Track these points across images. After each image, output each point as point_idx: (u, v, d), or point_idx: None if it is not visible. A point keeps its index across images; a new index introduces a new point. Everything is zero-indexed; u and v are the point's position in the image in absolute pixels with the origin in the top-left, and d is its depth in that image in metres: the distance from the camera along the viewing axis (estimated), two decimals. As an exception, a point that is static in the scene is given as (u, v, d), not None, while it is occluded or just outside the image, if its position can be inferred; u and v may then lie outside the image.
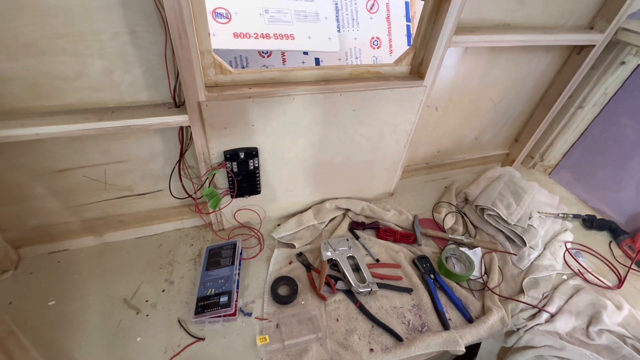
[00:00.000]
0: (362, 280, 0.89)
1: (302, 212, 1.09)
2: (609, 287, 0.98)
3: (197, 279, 0.87)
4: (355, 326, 0.82)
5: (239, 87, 0.78)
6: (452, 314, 0.87)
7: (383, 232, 1.06)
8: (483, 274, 0.98)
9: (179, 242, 0.99)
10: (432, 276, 0.94)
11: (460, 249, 1.01)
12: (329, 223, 1.10)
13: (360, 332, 0.81)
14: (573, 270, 1.02)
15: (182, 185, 0.93)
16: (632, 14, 1.04)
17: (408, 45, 1.46)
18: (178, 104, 0.77)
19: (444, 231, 1.11)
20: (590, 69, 1.15)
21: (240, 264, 0.91)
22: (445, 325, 0.83)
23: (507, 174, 1.27)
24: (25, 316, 0.78)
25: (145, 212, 0.99)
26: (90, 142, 0.79)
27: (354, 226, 1.08)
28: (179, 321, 0.80)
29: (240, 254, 0.94)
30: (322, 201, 1.12)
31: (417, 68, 0.94)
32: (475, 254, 1.02)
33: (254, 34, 1.18)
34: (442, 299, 0.90)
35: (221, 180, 0.92)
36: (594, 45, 1.05)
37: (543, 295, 0.94)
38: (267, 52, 1.31)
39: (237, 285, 0.86)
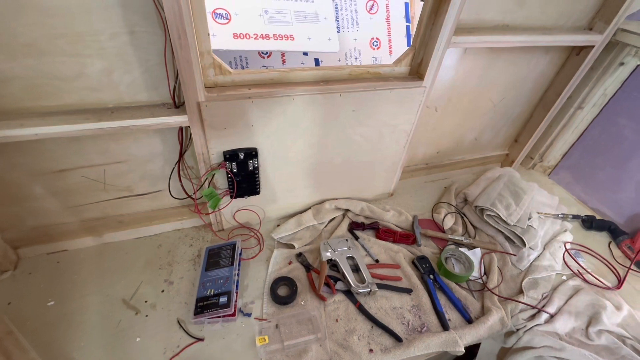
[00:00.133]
0: (362, 280, 0.89)
1: (301, 212, 1.09)
2: (608, 288, 0.99)
3: (197, 279, 0.87)
4: (354, 327, 0.82)
5: (239, 87, 0.78)
6: (451, 314, 0.87)
7: (382, 232, 1.06)
8: (482, 274, 0.98)
9: (178, 242, 0.99)
10: (431, 277, 0.94)
11: (460, 249, 1.01)
12: (329, 223, 1.10)
13: (359, 332, 0.81)
14: (572, 271, 1.02)
15: (182, 186, 0.93)
16: (630, 15, 1.05)
17: (407, 45, 1.46)
18: (177, 105, 0.77)
19: (444, 232, 1.11)
20: (589, 70, 1.15)
21: (239, 265, 0.91)
22: (444, 325, 0.83)
23: (507, 174, 1.27)
24: (24, 316, 0.78)
25: (145, 213, 0.99)
26: (90, 142, 0.79)
27: (354, 227, 1.08)
28: (178, 321, 0.80)
29: (240, 254, 0.94)
30: (322, 202, 1.12)
31: (416, 69, 0.94)
32: (475, 255, 1.02)
33: (254, 34, 1.18)
34: (442, 300, 0.90)
35: (221, 180, 0.92)
36: (593, 46, 1.05)
37: (542, 295, 0.94)
38: (267, 52, 1.31)
39: (237, 286, 0.86)
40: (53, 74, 0.67)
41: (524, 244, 1.04)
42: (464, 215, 1.19)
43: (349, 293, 0.88)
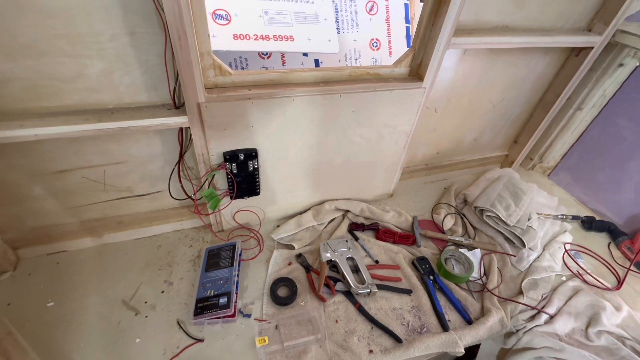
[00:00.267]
0: (362, 281, 0.89)
1: (301, 213, 1.09)
2: (608, 289, 0.99)
3: (197, 280, 0.87)
4: (354, 327, 0.82)
5: (239, 88, 0.78)
6: (451, 315, 0.87)
7: (382, 233, 1.07)
8: (482, 275, 0.98)
9: (178, 243, 0.99)
10: (431, 277, 0.94)
11: (460, 250, 1.01)
12: (329, 224, 1.11)
13: (359, 333, 0.81)
14: (572, 272, 1.03)
15: (182, 187, 0.93)
16: (629, 17, 1.05)
17: (407, 46, 1.47)
18: (177, 105, 0.77)
19: (443, 232, 1.11)
20: (588, 71, 1.16)
21: (239, 265, 0.91)
22: (444, 326, 0.83)
23: (506, 175, 1.27)
24: (24, 317, 0.78)
25: (145, 213, 0.99)
26: (90, 143, 0.79)
27: (354, 227, 1.08)
28: (178, 322, 0.80)
29: (240, 255, 0.94)
30: (322, 202, 1.12)
31: (416, 70, 0.94)
32: (475, 255, 1.02)
33: (254, 35, 1.18)
34: (442, 300, 0.90)
35: (220, 181, 0.92)
36: (592, 47, 1.06)
37: (542, 296, 0.94)
38: (267, 53, 1.31)
39: (237, 287, 0.86)
40: (53, 75, 0.67)
41: (524, 245, 1.04)
42: (464, 216, 1.19)
43: (348, 294, 0.88)
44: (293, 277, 0.91)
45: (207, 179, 0.88)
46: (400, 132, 1.03)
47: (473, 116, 1.22)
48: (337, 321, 0.83)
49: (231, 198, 0.95)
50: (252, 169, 0.90)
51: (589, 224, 1.20)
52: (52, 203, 0.86)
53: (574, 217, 1.22)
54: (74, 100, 0.71)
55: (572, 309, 0.91)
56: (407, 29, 1.46)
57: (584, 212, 1.27)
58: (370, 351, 0.78)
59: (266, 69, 1.32)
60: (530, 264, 1.02)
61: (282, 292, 0.88)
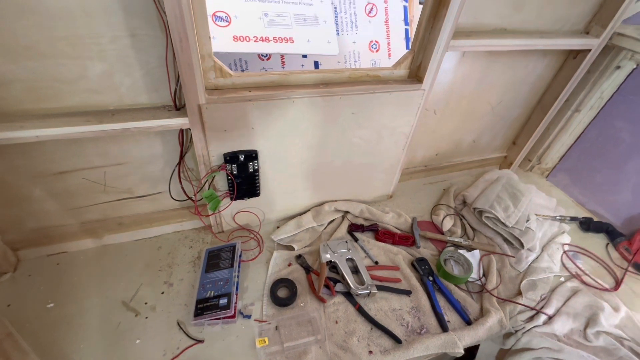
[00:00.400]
0: (361, 282, 0.90)
1: (301, 214, 1.10)
2: (606, 289, 0.99)
3: (197, 281, 0.87)
4: (354, 328, 0.82)
5: (239, 90, 0.78)
6: (450, 316, 0.87)
7: (382, 234, 1.07)
8: (481, 276, 0.98)
9: (178, 244, 0.99)
10: (430, 278, 0.95)
11: (459, 251, 1.02)
12: (328, 225, 1.11)
13: (359, 334, 0.81)
14: (570, 273, 1.03)
15: (182, 188, 0.93)
16: (627, 19, 1.06)
17: (406, 48, 1.48)
18: (178, 107, 0.78)
19: (443, 233, 1.12)
20: (586, 73, 1.16)
21: (239, 266, 0.91)
22: (443, 327, 0.84)
23: (505, 176, 1.28)
24: (24, 318, 0.78)
25: (145, 215, 0.99)
26: (90, 144, 0.79)
27: (353, 228, 1.09)
28: (178, 323, 0.80)
29: (240, 256, 0.94)
30: (321, 203, 1.13)
31: (415, 72, 0.95)
32: (474, 256, 1.02)
33: (254, 37, 1.19)
34: (441, 301, 0.90)
35: (221, 182, 0.92)
36: (589, 50, 1.06)
37: (541, 297, 0.95)
38: (267, 55, 1.32)
39: (237, 288, 0.86)
40: (54, 77, 0.67)
41: (522, 246, 1.04)
42: (463, 217, 1.19)
43: (348, 295, 0.89)
44: (293, 278, 0.91)
45: (207, 180, 0.89)
46: (399, 134, 1.03)
47: (472, 118, 1.22)
48: (337, 322, 0.83)
49: (231, 199, 0.95)
50: (252, 170, 0.91)
51: (587, 225, 1.21)
52: (53, 204, 0.86)
53: (572, 218, 1.23)
54: (74, 101, 0.71)
55: (571, 309, 0.91)
56: (406, 31, 1.47)
57: (582, 213, 1.28)
58: (370, 352, 0.78)
59: (266, 70, 1.33)
60: (529, 265, 1.03)
61: (282, 293, 0.88)
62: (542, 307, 0.91)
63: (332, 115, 0.90)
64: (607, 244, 1.17)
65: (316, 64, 1.40)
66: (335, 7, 1.37)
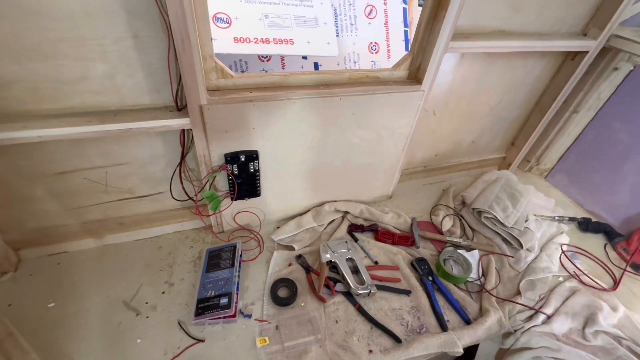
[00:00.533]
0: (361, 282, 0.90)
1: (301, 214, 1.10)
2: (604, 289, 1.00)
3: (197, 280, 0.88)
4: (354, 328, 0.82)
5: (240, 91, 0.79)
6: (450, 315, 0.88)
7: (381, 234, 1.07)
8: (480, 276, 0.99)
9: (178, 244, 1.00)
10: (430, 278, 0.95)
11: (458, 251, 1.02)
12: (328, 225, 1.11)
13: (359, 333, 0.81)
14: (569, 272, 1.04)
15: (183, 188, 0.93)
16: (624, 22, 1.07)
17: (406, 50, 1.49)
18: (180, 107, 0.78)
19: (442, 234, 1.12)
20: (584, 75, 1.17)
21: (240, 266, 0.92)
22: (443, 326, 0.84)
23: (504, 177, 1.28)
24: (25, 318, 0.78)
25: (146, 215, 0.99)
26: (92, 144, 0.80)
27: (353, 229, 1.09)
28: (178, 323, 0.80)
29: (240, 256, 0.94)
30: (321, 204, 1.13)
31: (414, 73, 0.96)
32: (473, 256, 1.03)
33: (254, 38, 1.19)
34: (440, 301, 0.91)
35: (221, 182, 0.93)
36: (587, 52, 1.07)
37: (539, 297, 0.95)
38: (267, 56, 1.33)
39: (237, 287, 0.86)
40: (56, 77, 0.68)
41: (521, 246, 1.05)
42: (462, 217, 1.20)
43: (348, 294, 0.89)
44: (293, 277, 0.91)
45: (208, 180, 0.89)
46: (399, 134, 1.04)
47: (471, 119, 1.23)
48: (337, 321, 0.83)
49: (232, 199, 0.96)
50: (252, 170, 0.91)
51: (585, 225, 1.22)
52: (54, 204, 0.87)
53: (571, 219, 1.23)
54: (76, 102, 0.72)
55: (569, 309, 0.92)
56: (406, 32, 1.48)
57: (580, 214, 1.29)
58: (370, 351, 0.78)
59: (266, 71, 1.34)
60: (528, 265, 1.03)
61: (283, 293, 0.88)
62: (540, 307, 0.91)
63: (332, 116, 0.90)
64: (606, 244, 1.18)
65: (316, 65, 1.41)
66: (335, 9, 1.38)
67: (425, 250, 1.06)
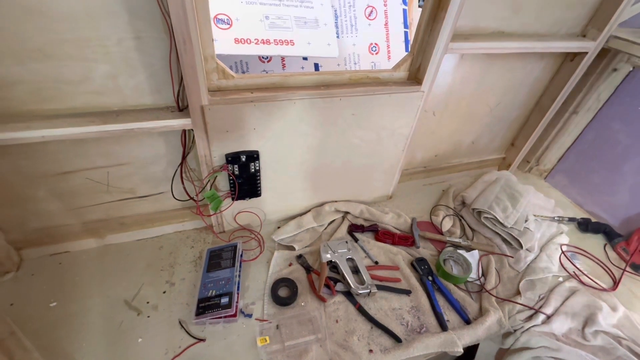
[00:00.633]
0: (361, 282, 0.90)
1: (301, 214, 1.11)
2: (604, 289, 1.00)
3: (198, 280, 0.88)
4: (354, 327, 0.83)
5: (241, 91, 0.80)
6: (450, 315, 0.88)
7: (382, 234, 1.08)
8: (480, 276, 0.99)
9: (179, 244, 1.00)
10: (430, 278, 0.95)
11: (458, 251, 1.03)
12: (328, 226, 1.12)
13: (359, 333, 0.82)
14: (569, 273, 1.04)
15: (184, 188, 0.94)
16: (623, 23, 1.07)
17: (406, 51, 1.49)
18: (181, 108, 0.79)
19: (442, 234, 1.13)
20: (583, 76, 1.18)
21: (240, 266, 0.92)
22: (443, 326, 0.84)
23: (504, 177, 1.29)
24: (27, 317, 0.78)
25: (147, 215, 0.99)
26: (94, 144, 0.80)
27: (353, 229, 1.10)
28: (179, 322, 0.80)
29: (241, 255, 0.95)
30: (322, 204, 1.14)
31: (414, 74, 0.96)
32: (473, 257, 1.03)
33: (255, 39, 1.20)
34: (440, 301, 0.91)
35: (222, 182, 0.93)
36: (586, 53, 1.08)
37: (539, 297, 0.95)
38: (267, 57, 1.33)
39: (238, 287, 0.86)
40: (59, 78, 0.68)
41: (521, 246, 1.05)
42: (462, 217, 1.20)
43: (348, 294, 0.89)
44: (294, 277, 0.92)
45: (209, 181, 0.90)
46: (399, 135, 1.04)
47: (471, 119, 1.24)
48: (337, 321, 0.84)
49: (233, 199, 0.96)
50: (253, 170, 0.92)
51: (585, 225, 1.22)
52: (56, 204, 0.87)
53: (571, 219, 1.24)
54: (79, 102, 0.72)
55: (569, 309, 0.92)
56: (406, 33, 1.49)
57: (580, 214, 1.29)
58: (370, 351, 0.78)
59: (266, 72, 1.34)
60: (528, 265, 1.03)
61: (283, 293, 0.89)
62: (540, 307, 0.92)
63: (333, 116, 0.91)
64: (605, 245, 1.18)
65: (316, 66, 1.41)
66: (335, 10, 1.39)
67: (425, 251, 1.06)
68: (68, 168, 0.82)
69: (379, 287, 0.90)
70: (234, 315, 0.81)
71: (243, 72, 1.31)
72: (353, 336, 0.81)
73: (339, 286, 0.91)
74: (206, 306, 0.80)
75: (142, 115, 0.74)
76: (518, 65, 1.12)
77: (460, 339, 0.81)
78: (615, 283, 1.03)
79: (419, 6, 1.52)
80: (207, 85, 0.74)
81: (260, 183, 0.96)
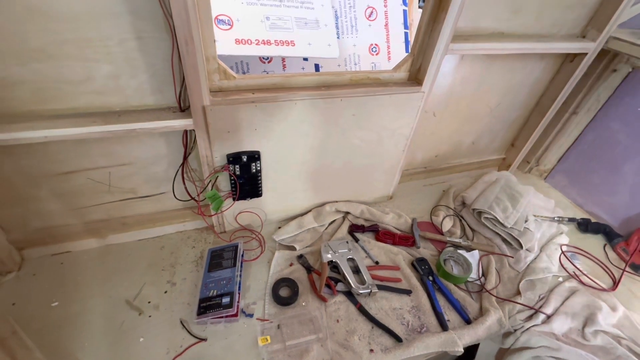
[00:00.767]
0: (362, 282, 0.91)
1: (302, 215, 1.11)
2: (603, 289, 1.00)
3: (199, 280, 0.88)
4: (355, 327, 0.83)
5: (243, 92, 0.80)
6: (450, 315, 0.88)
7: (382, 234, 1.08)
8: (480, 276, 0.99)
9: (181, 244, 1.00)
10: (430, 278, 0.96)
11: (458, 251, 1.03)
12: (329, 226, 1.12)
13: (360, 332, 0.82)
14: (569, 273, 1.04)
15: (185, 188, 0.94)
16: (622, 24, 1.08)
17: (406, 52, 1.49)
18: (183, 108, 0.79)
19: (442, 234, 1.13)
20: (583, 76, 1.18)
21: (241, 266, 0.92)
22: (443, 326, 0.85)
23: (504, 178, 1.29)
24: (29, 317, 0.78)
25: (148, 215, 1.00)
26: (95, 145, 0.80)
27: (354, 229, 1.10)
28: (181, 322, 0.81)
29: (242, 255, 0.95)
30: (322, 204, 1.14)
31: (415, 74, 0.96)
32: (473, 257, 1.03)
33: (255, 40, 1.20)
34: (441, 301, 0.91)
35: (223, 183, 0.93)
36: (586, 53, 1.08)
37: (539, 297, 0.96)
38: (268, 58, 1.33)
39: (239, 287, 0.87)
40: (61, 78, 0.68)
41: (521, 246, 1.06)
42: (462, 218, 1.20)
43: (349, 294, 0.90)
44: (294, 277, 0.92)
45: (210, 181, 0.90)
46: (399, 135, 1.05)
47: (471, 120, 1.24)
48: (338, 321, 0.84)
49: (234, 199, 0.96)
50: (254, 170, 0.92)
51: (584, 226, 1.22)
52: (57, 204, 0.87)
53: (570, 219, 1.24)
54: (81, 103, 0.73)
55: (569, 309, 0.92)
56: (406, 34, 1.49)
57: (580, 215, 1.29)
58: (371, 350, 0.79)
59: (267, 73, 1.34)
60: (528, 265, 1.04)
61: (284, 293, 0.89)
62: (540, 307, 0.92)
63: (333, 116, 0.91)
64: (605, 245, 1.18)
65: (317, 67, 1.42)
66: (335, 10, 1.39)
67: (426, 251, 1.07)
68: (70, 168, 0.82)
69: (380, 287, 0.91)
70: (235, 315, 0.81)
71: (244, 73, 1.31)
72: (354, 336, 0.81)
73: (340, 286, 0.91)
74: (207, 306, 0.81)
75: (144, 116, 0.75)
76: (518, 66, 1.12)
77: (460, 339, 0.81)
78: (615, 283, 1.03)
79: (419, 7, 1.52)
80: (208, 86, 0.74)
81: (261, 183, 0.96)
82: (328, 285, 0.90)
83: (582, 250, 1.14)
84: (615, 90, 1.19)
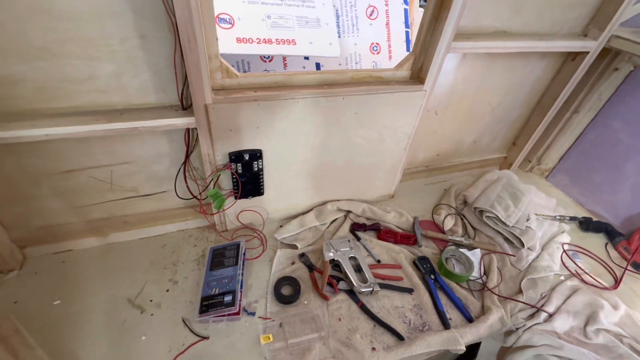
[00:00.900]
0: (364, 280, 0.91)
1: (304, 213, 1.11)
2: (605, 288, 1.00)
3: (201, 278, 0.88)
4: (357, 325, 0.83)
5: (245, 90, 0.80)
6: (452, 313, 0.88)
7: (384, 233, 1.08)
8: (482, 274, 0.99)
9: (182, 242, 1.00)
10: (432, 276, 0.96)
11: (460, 250, 1.03)
12: (331, 224, 1.12)
13: (362, 331, 0.82)
14: (570, 271, 1.04)
15: (187, 187, 0.94)
16: (624, 22, 1.08)
17: (407, 50, 1.49)
18: (185, 107, 0.79)
19: (444, 233, 1.13)
20: (584, 75, 1.18)
21: (243, 264, 0.92)
22: (445, 324, 0.85)
23: (505, 177, 1.29)
24: (30, 315, 0.78)
25: (150, 213, 1.00)
26: (98, 143, 0.80)
27: (355, 227, 1.10)
28: (183, 320, 0.81)
29: (244, 254, 0.95)
30: (324, 203, 1.14)
31: (417, 73, 0.96)
32: (475, 255, 1.03)
33: (257, 39, 1.20)
34: (443, 299, 0.91)
35: (225, 181, 0.93)
36: (587, 52, 1.08)
37: (541, 295, 0.96)
38: (269, 56, 1.33)
39: (241, 285, 0.87)
40: (64, 77, 0.68)
41: (523, 245, 1.06)
42: (464, 216, 1.20)
43: (351, 292, 0.90)
44: (296, 276, 0.92)
45: (212, 179, 0.90)
46: (401, 134, 1.05)
47: (472, 119, 1.24)
48: (340, 319, 0.84)
49: (236, 198, 0.96)
50: (256, 169, 0.92)
51: (586, 224, 1.22)
52: (59, 202, 0.87)
53: (572, 218, 1.24)
54: (83, 101, 0.73)
55: (571, 307, 0.92)
56: (407, 33, 1.49)
57: (581, 213, 1.29)
58: (373, 348, 0.79)
59: (268, 71, 1.34)
60: (529, 264, 1.04)
61: (286, 291, 0.89)
62: (542, 305, 0.92)
63: (335, 115, 0.91)
64: (607, 244, 1.18)
65: (318, 66, 1.42)
66: (336, 9, 1.39)
67: (428, 249, 1.07)
68: (72, 166, 0.82)
69: (382, 286, 0.91)
70: (237, 314, 0.81)
71: (245, 71, 1.31)
72: (356, 334, 0.81)
73: (342, 284, 0.91)
74: (209, 304, 0.81)
75: (146, 114, 0.75)
76: (519, 65, 1.12)
77: (462, 337, 0.81)
78: (617, 282, 1.03)
79: (420, 6, 1.52)
80: (211, 84, 0.74)
81: (263, 182, 0.96)
82: (330, 284, 0.90)
83: (583, 249, 1.14)
84: (617, 89, 1.19)
